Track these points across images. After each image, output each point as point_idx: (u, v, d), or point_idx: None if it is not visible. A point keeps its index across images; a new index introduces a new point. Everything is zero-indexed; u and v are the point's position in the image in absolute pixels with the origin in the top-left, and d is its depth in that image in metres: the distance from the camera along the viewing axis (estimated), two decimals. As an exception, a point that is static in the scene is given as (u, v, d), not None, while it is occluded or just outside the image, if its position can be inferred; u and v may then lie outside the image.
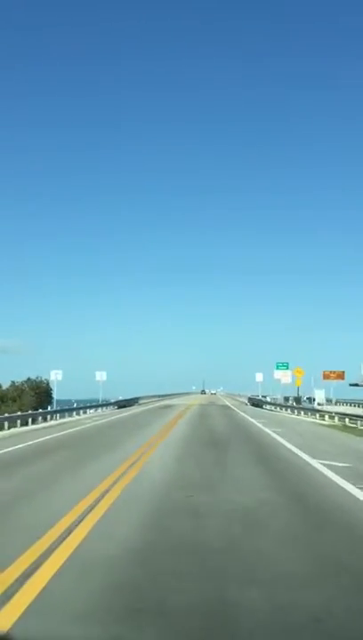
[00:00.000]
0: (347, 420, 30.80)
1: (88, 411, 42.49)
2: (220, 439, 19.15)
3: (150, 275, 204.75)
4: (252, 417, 35.31)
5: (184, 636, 4.02)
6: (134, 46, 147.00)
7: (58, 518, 7.17)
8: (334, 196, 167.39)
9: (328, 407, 47.76)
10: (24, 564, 5.36)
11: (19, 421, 28.33)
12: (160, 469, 11.85)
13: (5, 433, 24.00)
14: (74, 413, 38.42)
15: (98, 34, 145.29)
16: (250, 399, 65.70)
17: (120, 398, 55.46)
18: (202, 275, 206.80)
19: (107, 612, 4.28)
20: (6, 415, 28.72)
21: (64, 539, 6.26)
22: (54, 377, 44.45)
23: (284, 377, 59.11)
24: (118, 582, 4.94)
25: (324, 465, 12.55)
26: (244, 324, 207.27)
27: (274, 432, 22.59)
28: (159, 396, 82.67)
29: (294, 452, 15.25)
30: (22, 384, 48.64)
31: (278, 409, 50.45)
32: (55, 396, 46.58)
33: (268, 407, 54.76)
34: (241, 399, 79.81)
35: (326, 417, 35.16)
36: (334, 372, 54.49)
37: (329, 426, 29.73)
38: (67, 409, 38.07)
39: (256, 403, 60.34)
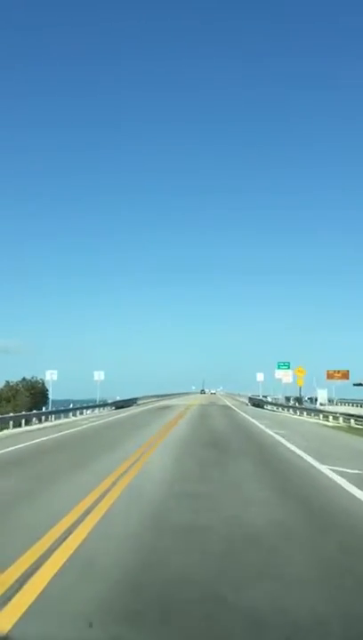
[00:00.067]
0: (352, 421, 30.00)
1: (85, 411, 41.52)
2: (223, 446, 17.81)
3: (150, 275, 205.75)
4: (254, 418, 34.67)
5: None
6: (134, 46, 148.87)
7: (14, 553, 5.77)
8: (334, 196, 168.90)
9: (330, 407, 46.96)
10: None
11: (11, 423, 27.37)
12: (157, 486, 10.13)
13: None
14: (70, 414, 37.52)
15: (98, 34, 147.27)
16: (251, 399, 64.89)
17: (118, 399, 54.72)
18: (202, 275, 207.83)
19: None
20: (-3, 416, 27.79)
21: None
22: (49, 377, 43.62)
23: (285, 377, 58.32)
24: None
25: (333, 471, 11.59)
26: (244, 324, 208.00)
27: (277, 434, 21.89)
28: (158, 396, 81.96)
29: (305, 460, 13.79)
30: (17, 384, 47.64)
31: (280, 409, 49.66)
32: (51, 396, 45.62)
33: (269, 407, 53.89)
34: (241, 399, 79.12)
35: (330, 418, 34.29)
36: (339, 372, 53.66)
37: (334, 427, 28.96)
38: (62, 410, 37.06)
39: (257, 403, 59.58)
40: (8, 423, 27.34)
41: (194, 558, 5.64)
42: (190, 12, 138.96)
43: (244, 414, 39.85)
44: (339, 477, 10.85)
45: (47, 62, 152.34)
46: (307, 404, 50.13)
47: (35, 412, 34.57)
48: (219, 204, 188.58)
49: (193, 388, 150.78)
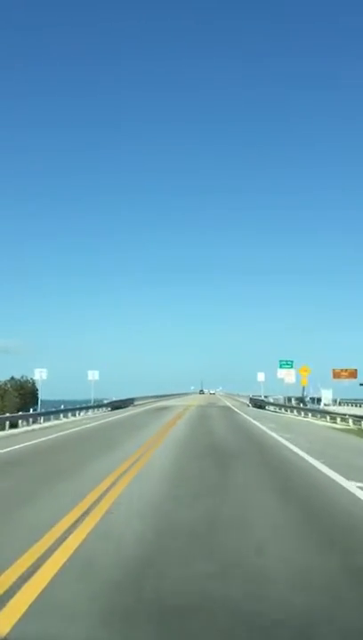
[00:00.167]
0: (363, 423, 27.96)
1: (78, 413, 39.40)
2: (227, 466, 15.66)
3: (150, 275, 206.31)
4: (256, 419, 32.78)
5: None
6: (134, 46, 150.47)
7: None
8: (334, 196, 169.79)
9: (333, 408, 45.13)
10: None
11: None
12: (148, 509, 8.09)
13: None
14: (61, 416, 35.41)
15: (98, 34, 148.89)
16: (251, 400, 62.95)
17: (114, 399, 52.81)
18: (202, 275, 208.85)
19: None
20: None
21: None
22: (39, 376, 41.42)
23: (288, 376, 56.23)
24: None
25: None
26: (244, 324, 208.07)
27: (284, 438, 20.06)
28: (156, 397, 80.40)
29: (325, 474, 11.40)
30: (5, 384, 45.42)
31: (283, 410, 47.72)
32: (40, 396, 43.40)
33: (271, 409, 51.92)
34: (241, 399, 77.46)
35: (339, 419, 32.25)
36: (346, 370, 51.50)
37: (343, 430, 27.04)
38: (46, 412, 34.79)
39: (258, 404, 57.59)
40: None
41: None
42: (191, 11, 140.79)
43: (246, 416, 37.89)
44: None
45: (47, 62, 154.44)
46: (310, 405, 48.19)
47: (21, 413, 32.12)
48: (219, 203, 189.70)
49: (192, 388, 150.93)
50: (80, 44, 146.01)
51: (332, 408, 45.05)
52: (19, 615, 4.28)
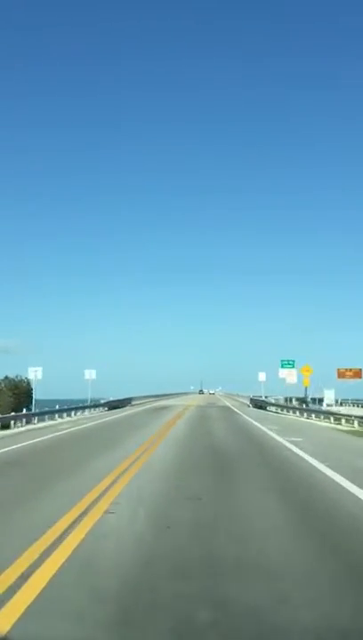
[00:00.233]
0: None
1: (73, 413, 39.31)
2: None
3: (150, 275, 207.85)
4: (257, 421, 32.75)
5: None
6: (134, 46, 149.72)
7: None
8: (334, 196, 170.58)
9: (336, 408, 45.11)
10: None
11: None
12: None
13: None
14: (56, 416, 35.31)
15: (98, 34, 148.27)
16: (252, 400, 62.91)
17: (111, 399, 52.75)
18: (202, 275, 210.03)
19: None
20: None
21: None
22: (33, 375, 41.29)
23: (289, 376, 56.21)
24: None
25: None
26: (244, 324, 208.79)
27: (291, 442, 19.61)
28: (155, 397, 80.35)
29: (346, 489, 10.09)
30: (-1, 383, 45.24)
31: (285, 411, 47.66)
32: (35, 395, 43.29)
33: (273, 409, 51.87)
34: (241, 399, 77.44)
35: (343, 421, 32.19)
36: (351, 370, 51.41)
37: (349, 432, 26.88)
38: (39, 412, 34.60)
39: (259, 404, 57.51)
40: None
41: None
42: (191, 11, 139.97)
43: (247, 417, 37.79)
44: None
45: (47, 62, 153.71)
46: (312, 406, 48.18)
47: (13, 414, 31.78)
48: (219, 203, 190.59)
49: (191, 388, 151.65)
50: (80, 43, 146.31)
51: (335, 409, 45.01)
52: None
